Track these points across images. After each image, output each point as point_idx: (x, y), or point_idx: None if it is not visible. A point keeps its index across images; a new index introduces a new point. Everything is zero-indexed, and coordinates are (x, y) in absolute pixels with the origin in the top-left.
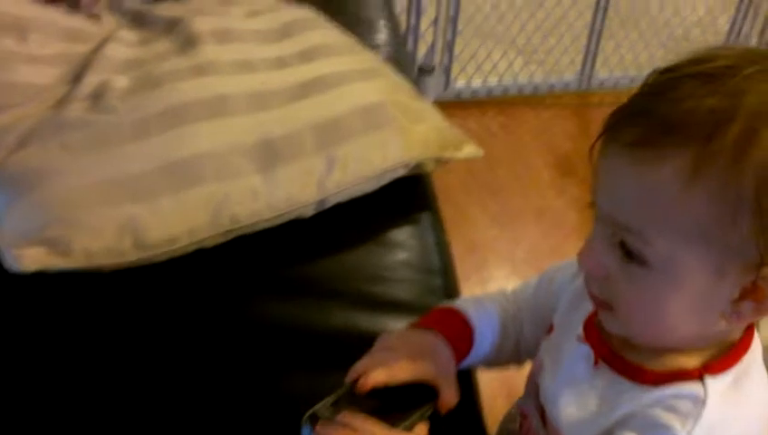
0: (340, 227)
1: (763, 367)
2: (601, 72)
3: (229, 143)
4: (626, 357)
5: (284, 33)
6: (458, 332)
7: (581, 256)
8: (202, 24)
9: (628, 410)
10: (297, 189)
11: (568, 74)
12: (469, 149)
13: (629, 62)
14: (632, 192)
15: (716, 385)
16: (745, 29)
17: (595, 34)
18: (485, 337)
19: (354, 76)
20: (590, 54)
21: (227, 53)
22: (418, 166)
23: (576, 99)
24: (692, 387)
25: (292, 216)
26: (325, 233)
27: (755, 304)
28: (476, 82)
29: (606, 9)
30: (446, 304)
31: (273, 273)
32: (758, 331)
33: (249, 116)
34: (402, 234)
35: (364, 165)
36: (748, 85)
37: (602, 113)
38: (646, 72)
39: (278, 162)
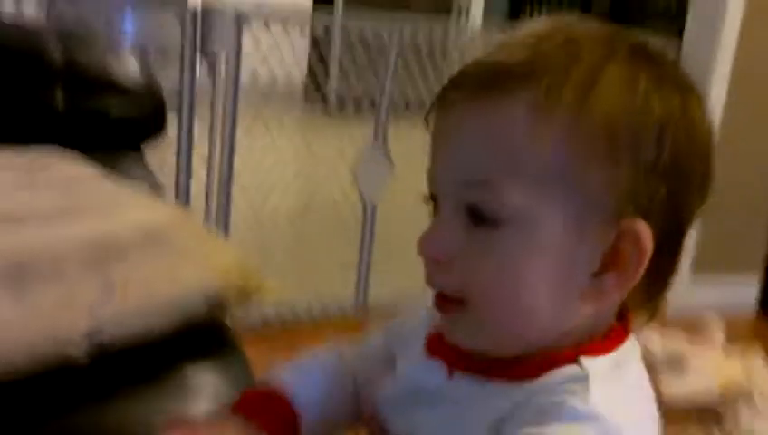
0: (124, 373)
1: (643, 366)
2: (374, 295)
3: None
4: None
5: (40, 167)
6: (275, 415)
7: (422, 242)
8: None
9: (503, 413)
10: (61, 319)
11: (343, 298)
12: (272, 284)
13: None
14: (479, 139)
15: (595, 366)
16: None
17: (364, 264)
18: (311, 405)
19: (129, 200)
20: (362, 280)
21: None
22: (219, 299)
23: (353, 321)
24: (569, 369)
25: (60, 355)
26: (105, 380)
27: (617, 275)
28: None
29: (371, 242)
30: (263, 379)
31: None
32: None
33: None
34: (203, 378)
35: (150, 292)
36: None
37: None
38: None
39: (33, 285)
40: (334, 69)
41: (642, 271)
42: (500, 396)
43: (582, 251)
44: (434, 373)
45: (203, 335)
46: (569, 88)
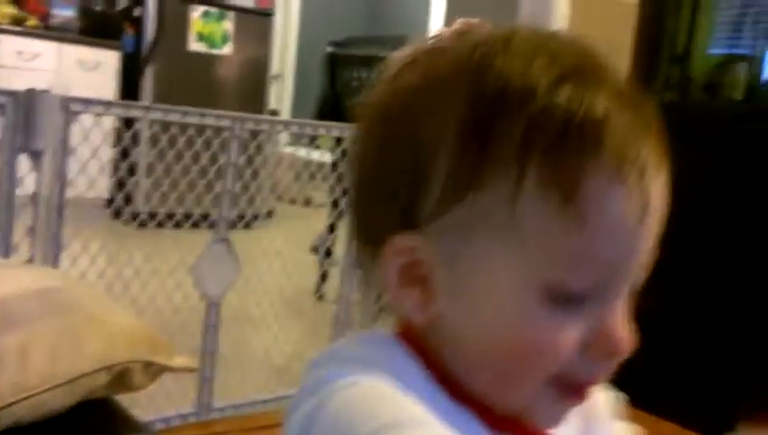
0: None
1: None
2: (220, 401)
3: None
4: None
5: None
6: None
7: (625, 337)
8: None
9: None
10: None
11: (182, 408)
12: (182, 360)
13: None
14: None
15: None
16: None
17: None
18: None
19: (17, 268)
20: (206, 386)
21: None
22: (124, 374)
23: (197, 431)
24: None
25: None
26: None
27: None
28: None
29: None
30: None
31: None
32: None
33: None
34: None
35: (51, 364)
36: None
37: None
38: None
39: None
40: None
41: None
42: None
43: None
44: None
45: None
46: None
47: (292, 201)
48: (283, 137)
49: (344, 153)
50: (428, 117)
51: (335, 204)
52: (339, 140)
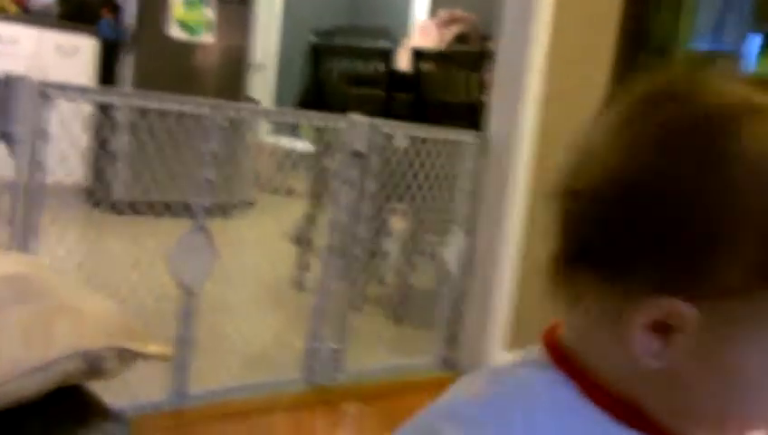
0: None
1: None
2: (197, 388)
3: None
4: None
5: None
6: None
7: None
8: None
9: None
10: None
11: (156, 395)
12: (156, 348)
13: (221, 378)
14: None
15: None
16: (319, 347)
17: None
18: None
19: None
20: (181, 374)
21: None
22: (98, 361)
23: (171, 419)
24: None
25: None
26: None
27: None
28: None
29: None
30: None
31: None
32: None
33: None
34: None
35: (23, 350)
36: None
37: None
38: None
39: None
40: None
41: None
42: None
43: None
44: None
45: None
46: None
47: (275, 191)
48: (265, 126)
49: (327, 145)
50: (729, 193)
51: (316, 194)
52: (320, 131)
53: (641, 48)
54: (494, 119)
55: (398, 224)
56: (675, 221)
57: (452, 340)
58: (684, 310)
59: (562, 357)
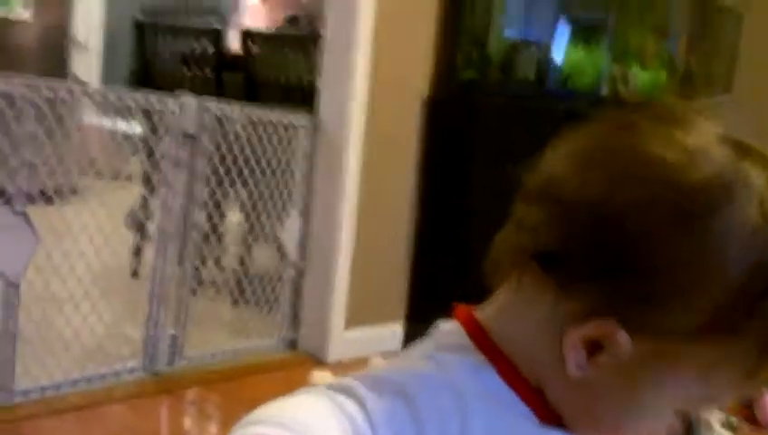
0: None
1: None
2: (24, 384)
3: None
4: None
5: None
6: None
7: None
8: None
9: None
10: None
11: None
12: None
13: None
14: None
15: None
16: (157, 333)
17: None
18: None
19: None
20: (6, 369)
21: None
22: None
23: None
24: None
25: None
26: None
27: None
28: None
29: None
30: None
31: None
32: None
33: None
34: None
35: None
36: None
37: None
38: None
39: None
40: None
41: None
42: None
43: None
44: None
45: None
46: None
47: (99, 174)
48: (89, 107)
49: (156, 126)
50: (699, 249)
51: (147, 178)
52: (148, 112)
53: (458, 35)
54: (325, 101)
55: (233, 206)
56: (641, 262)
57: (293, 321)
58: (621, 338)
59: (485, 341)
